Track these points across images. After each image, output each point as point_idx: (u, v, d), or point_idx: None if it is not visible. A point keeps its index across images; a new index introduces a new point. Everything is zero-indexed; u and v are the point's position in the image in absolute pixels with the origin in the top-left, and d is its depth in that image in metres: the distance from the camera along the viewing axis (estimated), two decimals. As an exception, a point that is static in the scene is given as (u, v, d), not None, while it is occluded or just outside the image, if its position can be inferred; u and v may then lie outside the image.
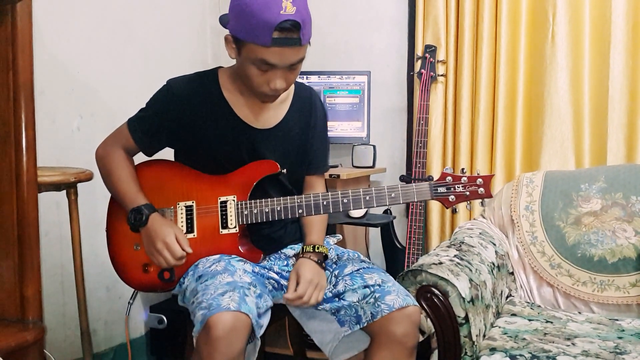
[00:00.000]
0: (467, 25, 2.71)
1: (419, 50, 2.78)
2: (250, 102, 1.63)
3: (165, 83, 1.65)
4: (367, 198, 1.55)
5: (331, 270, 1.63)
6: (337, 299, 1.57)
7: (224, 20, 1.54)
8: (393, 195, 1.56)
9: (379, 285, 1.54)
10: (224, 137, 1.63)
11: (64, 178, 1.88)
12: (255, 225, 1.63)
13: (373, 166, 2.91)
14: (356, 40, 3.07)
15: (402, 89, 2.99)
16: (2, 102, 1.25)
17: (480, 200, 1.58)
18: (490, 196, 1.59)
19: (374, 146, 2.90)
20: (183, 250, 1.55)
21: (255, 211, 1.59)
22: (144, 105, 1.68)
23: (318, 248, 1.63)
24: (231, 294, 1.39)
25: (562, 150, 2.59)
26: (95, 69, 2.52)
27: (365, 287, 1.54)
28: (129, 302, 1.77)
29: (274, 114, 1.67)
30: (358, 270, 1.60)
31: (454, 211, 1.60)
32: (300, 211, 1.57)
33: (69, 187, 1.97)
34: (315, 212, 1.57)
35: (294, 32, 1.44)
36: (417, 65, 2.72)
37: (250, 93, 1.60)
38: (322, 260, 1.63)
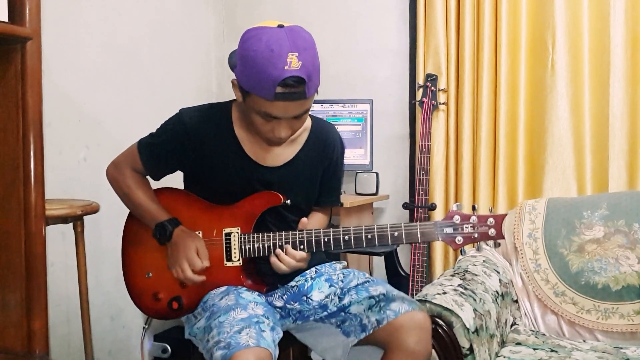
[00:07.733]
0: (467, 54, 2.74)
1: (420, 79, 2.81)
2: (260, 139, 1.62)
3: (177, 112, 1.65)
4: (369, 237, 1.51)
5: (337, 286, 1.66)
6: (342, 313, 1.60)
7: (231, 62, 1.54)
8: (396, 234, 1.49)
9: (384, 295, 1.57)
10: (230, 172, 1.63)
11: (71, 211, 1.90)
12: (260, 258, 1.63)
13: (376, 193, 2.92)
14: (358, 69, 3.11)
15: (404, 117, 3.01)
16: (12, 138, 1.26)
17: (492, 241, 1.43)
18: (502, 238, 1.42)
19: (377, 173, 2.92)
20: (202, 264, 1.57)
21: (257, 245, 1.59)
22: (154, 130, 1.69)
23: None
24: (248, 330, 1.39)
25: (564, 177, 2.60)
26: (101, 100, 2.56)
27: (370, 297, 1.58)
28: (143, 327, 1.80)
29: (284, 152, 1.66)
30: (363, 283, 1.64)
31: (462, 252, 1.45)
32: (302, 247, 1.57)
33: (76, 220, 1.98)
34: (317, 249, 1.56)
35: (298, 87, 1.42)
36: (419, 93, 2.75)
37: None
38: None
